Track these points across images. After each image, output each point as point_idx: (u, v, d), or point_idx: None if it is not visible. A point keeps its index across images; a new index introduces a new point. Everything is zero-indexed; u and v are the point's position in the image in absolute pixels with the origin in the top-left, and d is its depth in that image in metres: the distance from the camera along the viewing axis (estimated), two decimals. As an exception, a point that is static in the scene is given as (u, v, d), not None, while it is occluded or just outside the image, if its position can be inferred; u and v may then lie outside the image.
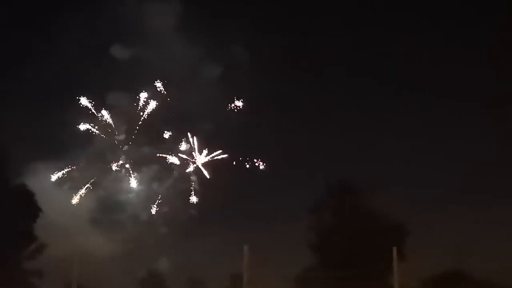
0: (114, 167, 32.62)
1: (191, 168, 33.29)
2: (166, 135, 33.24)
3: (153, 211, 32.33)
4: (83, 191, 31.39)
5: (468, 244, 27.70)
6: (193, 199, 32.69)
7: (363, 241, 27.64)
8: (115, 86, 32.91)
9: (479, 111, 31.72)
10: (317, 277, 27.41)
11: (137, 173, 32.87)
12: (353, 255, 27.13)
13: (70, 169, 31.64)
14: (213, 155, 33.18)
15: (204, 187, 33.21)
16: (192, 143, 33.49)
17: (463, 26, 32.66)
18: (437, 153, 32.19)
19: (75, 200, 31.03)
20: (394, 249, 19.23)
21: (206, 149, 33.43)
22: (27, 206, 28.59)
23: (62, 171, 31.42)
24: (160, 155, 33.11)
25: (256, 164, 33.09)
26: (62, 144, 32.03)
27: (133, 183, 32.52)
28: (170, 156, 33.13)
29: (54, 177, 31.21)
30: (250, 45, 33.34)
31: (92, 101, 32.33)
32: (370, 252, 26.80)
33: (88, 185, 31.56)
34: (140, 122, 33.12)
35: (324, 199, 29.68)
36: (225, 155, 33.16)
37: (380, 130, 32.91)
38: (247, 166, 33.04)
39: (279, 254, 29.15)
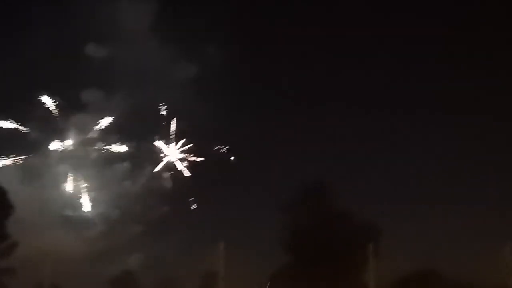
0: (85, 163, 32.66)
1: (163, 165, 33.61)
2: (139, 132, 33.53)
3: (125, 209, 32.52)
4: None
5: (439, 244, 28.76)
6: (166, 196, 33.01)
7: (337, 240, 28.04)
8: (88, 84, 32.85)
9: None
10: (292, 275, 27.78)
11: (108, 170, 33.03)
12: (327, 254, 27.49)
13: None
14: (184, 148, 33.52)
15: (176, 184, 33.62)
16: (165, 141, 33.85)
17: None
18: (411, 154, 32.93)
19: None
20: (370, 246, 19.69)
21: (179, 145, 33.81)
22: (-1, 203, 28.17)
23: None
24: (132, 151, 33.38)
25: (231, 161, 33.54)
26: (31, 138, 31.89)
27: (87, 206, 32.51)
28: (142, 152, 33.44)
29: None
30: (223, 44, 33.68)
31: (62, 99, 32.21)
32: (345, 250, 27.27)
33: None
34: (112, 120, 33.24)
35: (299, 198, 30.02)
36: (196, 149, 33.58)
37: (356, 132, 33.61)
38: (221, 164, 33.56)
39: (254, 253, 29.56)
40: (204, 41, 33.80)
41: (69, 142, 32.65)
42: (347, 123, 33.45)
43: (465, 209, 30.08)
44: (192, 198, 32.86)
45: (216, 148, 33.94)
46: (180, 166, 33.84)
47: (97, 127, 33.10)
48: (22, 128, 31.62)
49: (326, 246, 27.46)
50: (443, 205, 30.85)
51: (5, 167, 30.74)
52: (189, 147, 34.05)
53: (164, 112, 34.11)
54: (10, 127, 31.43)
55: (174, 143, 34.09)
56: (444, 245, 29.04)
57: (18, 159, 31.35)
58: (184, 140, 34.10)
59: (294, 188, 30.13)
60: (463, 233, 29.68)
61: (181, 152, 33.98)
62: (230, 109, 33.28)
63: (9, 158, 31.28)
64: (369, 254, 24.85)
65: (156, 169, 33.72)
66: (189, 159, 33.86)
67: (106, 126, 33.19)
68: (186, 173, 33.68)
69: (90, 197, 32.32)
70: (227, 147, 33.94)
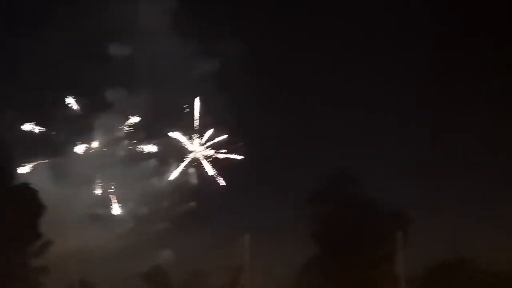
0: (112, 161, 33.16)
1: (188, 162, 33.96)
2: (164, 130, 33.80)
3: (153, 206, 32.98)
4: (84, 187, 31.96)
5: (469, 232, 28.39)
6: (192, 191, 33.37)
7: (365, 229, 27.92)
8: (111, 83, 33.31)
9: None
10: (320, 266, 27.79)
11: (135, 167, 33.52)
12: (355, 243, 27.41)
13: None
14: (209, 143, 33.69)
15: (202, 179, 33.92)
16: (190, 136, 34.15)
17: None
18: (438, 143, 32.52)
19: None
20: (399, 234, 19.49)
21: (203, 141, 34.08)
22: (31, 204, 28.89)
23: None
24: (158, 149, 33.78)
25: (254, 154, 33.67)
26: (61, 141, 32.40)
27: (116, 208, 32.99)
28: (168, 149, 33.79)
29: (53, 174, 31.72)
30: (244, 39, 33.68)
31: (86, 99, 32.70)
32: (373, 239, 27.13)
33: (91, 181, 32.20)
34: (139, 119, 33.66)
35: (325, 188, 29.92)
36: (224, 136, 33.67)
37: (379, 119, 33.44)
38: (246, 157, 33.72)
39: (281, 244, 29.65)
40: (225, 36, 33.90)
41: (95, 142, 33.13)
42: (371, 111, 33.40)
43: (496, 196, 29.80)
44: (219, 190, 33.30)
45: (238, 142, 34.04)
46: (205, 162, 34.07)
47: (123, 126, 33.58)
48: (48, 130, 32.18)
49: (354, 236, 27.38)
50: (473, 192, 30.48)
51: (35, 168, 31.36)
52: (214, 143, 34.22)
53: (187, 108, 34.30)
54: (36, 131, 31.99)
55: (198, 139, 34.32)
56: (474, 232, 28.63)
57: (47, 161, 31.96)
58: (208, 135, 34.29)
59: (320, 178, 30.24)
60: (494, 220, 29.27)
61: (206, 147, 34.18)
62: (251, 102, 33.39)
63: (39, 160, 31.89)
64: (398, 243, 24.71)
65: (182, 166, 34.01)
66: (217, 155, 34.01)
67: (132, 125, 33.66)
68: (210, 170, 33.86)
69: (118, 196, 32.88)
70: (247, 142, 34.00)
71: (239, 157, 33.60)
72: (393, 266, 25.66)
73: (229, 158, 33.72)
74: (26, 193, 29.30)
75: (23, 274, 27.37)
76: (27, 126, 31.69)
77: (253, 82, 32.86)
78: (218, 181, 33.32)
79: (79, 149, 32.40)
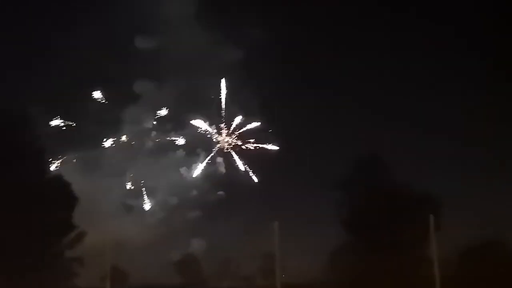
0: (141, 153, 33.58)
1: (216, 151, 34.11)
2: (192, 120, 34.08)
3: (182, 195, 33.32)
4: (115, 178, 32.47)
5: (505, 215, 27.82)
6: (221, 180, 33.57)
7: (397, 213, 27.59)
8: (139, 76, 33.63)
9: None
10: (351, 251, 27.59)
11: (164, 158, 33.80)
12: (387, 228, 27.12)
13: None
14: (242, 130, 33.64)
15: (231, 168, 34.06)
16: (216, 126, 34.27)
17: None
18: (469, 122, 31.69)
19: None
20: (431, 217, 19.17)
21: (231, 131, 34.12)
22: (65, 196, 29.46)
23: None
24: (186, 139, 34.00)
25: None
26: (91, 134, 33.01)
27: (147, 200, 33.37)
28: (196, 140, 34.01)
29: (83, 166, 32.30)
30: (269, 27, 33.49)
31: (114, 93, 33.09)
32: (405, 223, 26.77)
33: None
34: (166, 110, 33.94)
35: (353, 173, 29.68)
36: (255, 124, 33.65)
37: (410, 103, 32.74)
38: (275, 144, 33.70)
39: (311, 232, 29.56)
40: (250, 23, 33.81)
41: (125, 135, 33.58)
42: (403, 95, 32.90)
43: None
44: (247, 179, 33.39)
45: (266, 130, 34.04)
46: (233, 151, 34.20)
47: (151, 117, 33.97)
48: (78, 124, 32.73)
49: (385, 220, 27.07)
50: (507, 174, 29.79)
51: (67, 161, 32.00)
52: (242, 131, 34.28)
53: (214, 98, 34.45)
54: (66, 124, 32.53)
55: (225, 128, 34.47)
56: (509, 214, 27.99)
57: (79, 154, 32.54)
58: (236, 124, 34.37)
59: (350, 163, 30.09)
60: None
61: (233, 137, 34.28)
62: (278, 89, 33.31)
63: (70, 154, 32.50)
64: (431, 226, 24.31)
65: (210, 156, 34.24)
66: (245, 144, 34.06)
67: (160, 116, 34.00)
68: (238, 160, 33.95)
69: (148, 187, 33.31)
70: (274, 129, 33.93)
71: (271, 147, 33.64)
72: (426, 250, 25.31)
73: (257, 147, 33.78)
74: (59, 185, 29.81)
75: (58, 264, 27.98)
76: (56, 121, 32.32)
77: (279, 69, 32.91)
78: (247, 171, 33.52)
79: (109, 142, 32.94)
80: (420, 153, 31.58)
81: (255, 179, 33.58)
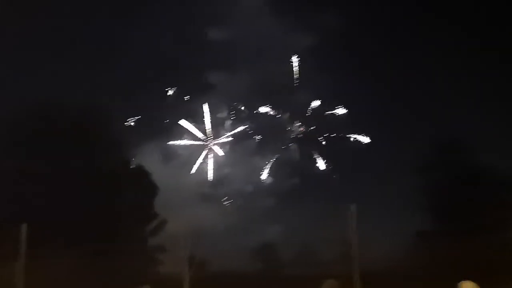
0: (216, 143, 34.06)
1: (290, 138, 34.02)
2: (265, 108, 34.08)
3: (257, 182, 33.50)
4: (196, 166, 33.21)
5: None
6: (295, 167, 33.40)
7: (479, 197, 26.41)
8: (213, 67, 34.06)
9: None
10: (434, 237, 26.67)
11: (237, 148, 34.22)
12: (469, 212, 26.00)
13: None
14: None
15: (305, 155, 33.81)
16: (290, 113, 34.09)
17: None
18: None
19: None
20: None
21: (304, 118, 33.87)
22: (146, 185, 30.50)
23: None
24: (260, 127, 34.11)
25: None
26: (167, 125, 33.84)
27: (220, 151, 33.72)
28: (270, 128, 34.04)
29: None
30: (341, 13, 32.84)
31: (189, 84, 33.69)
32: (488, 207, 25.59)
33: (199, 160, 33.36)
34: (239, 99, 34.25)
35: (432, 157, 28.64)
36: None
37: (490, 83, 30.94)
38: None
39: (390, 217, 28.83)
40: (320, 8, 33.30)
41: (201, 125, 34.21)
42: (481, 76, 31.11)
43: None
44: (320, 165, 33.00)
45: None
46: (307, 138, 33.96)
47: (225, 107, 34.38)
48: (156, 116, 33.66)
49: (469, 204, 25.94)
50: None
51: (146, 151, 33.06)
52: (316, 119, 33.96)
53: (287, 85, 34.28)
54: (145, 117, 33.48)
55: (299, 115, 34.27)
56: None
57: (157, 145, 33.55)
58: (310, 111, 34.08)
59: (429, 146, 29.02)
60: None
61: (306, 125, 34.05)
62: (352, 74, 32.65)
63: (150, 144, 33.50)
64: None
65: (284, 143, 34.19)
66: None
67: (234, 105, 34.32)
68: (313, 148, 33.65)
69: (224, 175, 33.87)
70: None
71: (361, 138, 33.09)
72: (509, 233, 24.09)
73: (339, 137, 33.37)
74: (141, 175, 30.91)
75: (142, 252, 29.02)
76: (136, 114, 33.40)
77: (354, 55, 32.27)
78: (321, 157, 33.19)
79: (185, 132, 33.70)
80: (503, 135, 29.83)
81: (326, 166, 33.10)
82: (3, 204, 24.80)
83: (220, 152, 33.87)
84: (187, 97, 33.71)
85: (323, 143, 33.43)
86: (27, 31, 29.81)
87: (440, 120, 31.22)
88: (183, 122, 33.53)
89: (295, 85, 34.09)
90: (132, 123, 32.69)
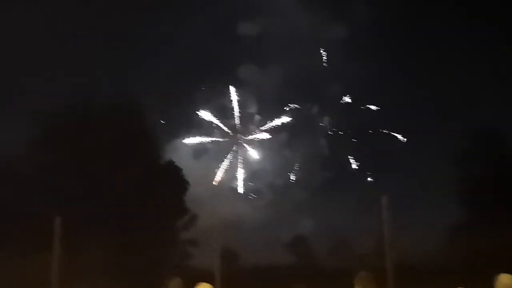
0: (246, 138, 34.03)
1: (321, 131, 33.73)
2: (295, 103, 33.88)
3: (289, 177, 33.29)
4: (225, 163, 33.22)
5: None
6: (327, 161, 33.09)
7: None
8: (244, 62, 33.95)
9: None
10: (472, 229, 26.05)
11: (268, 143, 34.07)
12: (505, 204, 25.26)
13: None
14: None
15: (335, 147, 33.50)
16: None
17: None
18: None
19: (218, 175, 32.85)
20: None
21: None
22: (177, 180, 30.67)
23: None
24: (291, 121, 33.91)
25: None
26: (198, 120, 33.92)
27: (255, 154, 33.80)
28: (300, 120, 33.84)
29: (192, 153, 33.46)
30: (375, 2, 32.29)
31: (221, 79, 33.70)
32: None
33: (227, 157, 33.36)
34: (270, 94, 34.07)
35: (469, 148, 27.94)
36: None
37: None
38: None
39: (426, 210, 28.24)
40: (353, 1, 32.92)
41: (231, 120, 34.20)
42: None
43: None
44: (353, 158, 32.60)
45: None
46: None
47: (256, 101, 34.30)
48: (186, 111, 33.80)
49: (505, 195, 25.18)
50: None
51: (177, 147, 33.23)
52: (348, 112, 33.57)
53: (318, 79, 33.99)
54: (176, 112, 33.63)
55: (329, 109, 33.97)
56: None
57: (188, 140, 33.66)
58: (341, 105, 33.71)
59: (465, 137, 28.36)
60: None
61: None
62: (385, 67, 32.06)
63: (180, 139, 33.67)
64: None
65: (316, 136, 33.96)
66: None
67: (265, 100, 34.22)
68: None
69: (255, 169, 33.80)
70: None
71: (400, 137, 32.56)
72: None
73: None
74: (172, 171, 31.10)
75: (174, 245, 29.24)
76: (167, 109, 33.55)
77: (387, 48, 31.68)
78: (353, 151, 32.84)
79: (215, 126, 33.77)
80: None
81: (358, 160, 32.72)
82: (38, 198, 25.37)
83: (254, 153, 33.89)
84: (217, 92, 33.79)
85: (355, 137, 33.10)
86: (65, 29, 30.41)
87: (476, 110, 30.39)
88: (213, 117, 33.62)
89: (326, 78, 33.82)
90: (163, 120, 32.88)
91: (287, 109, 33.86)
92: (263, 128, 33.81)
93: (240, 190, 32.98)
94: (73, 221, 16.76)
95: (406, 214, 25.81)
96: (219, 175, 32.71)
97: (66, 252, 16.77)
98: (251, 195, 33.10)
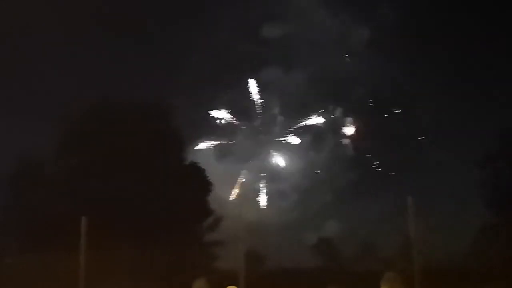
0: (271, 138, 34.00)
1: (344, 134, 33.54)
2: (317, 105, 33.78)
3: (313, 178, 33.25)
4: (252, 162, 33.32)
5: None
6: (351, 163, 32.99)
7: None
8: (267, 63, 33.94)
9: None
10: (500, 233, 25.57)
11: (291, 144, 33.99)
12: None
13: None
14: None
15: (359, 150, 33.26)
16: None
17: None
18: None
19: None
20: None
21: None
22: (201, 182, 30.83)
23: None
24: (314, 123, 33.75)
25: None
26: (221, 122, 34.12)
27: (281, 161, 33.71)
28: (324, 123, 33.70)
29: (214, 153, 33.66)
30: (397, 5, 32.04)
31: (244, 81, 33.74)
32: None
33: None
34: (292, 96, 34.01)
35: (495, 148, 27.45)
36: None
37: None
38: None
39: (452, 212, 27.79)
40: (378, 2, 32.69)
41: (255, 121, 34.27)
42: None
43: None
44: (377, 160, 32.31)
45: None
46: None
47: (279, 103, 34.30)
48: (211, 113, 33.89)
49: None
50: None
51: (201, 149, 33.45)
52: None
53: (342, 81, 33.83)
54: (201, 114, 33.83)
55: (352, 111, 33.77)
56: None
57: (214, 142, 33.81)
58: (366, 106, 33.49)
59: (491, 137, 27.89)
60: None
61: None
62: (409, 68, 31.78)
63: (206, 141, 33.84)
64: None
65: (340, 138, 33.77)
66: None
67: (288, 102, 34.17)
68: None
69: (279, 171, 33.80)
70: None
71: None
72: None
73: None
74: (196, 172, 31.28)
75: (199, 246, 29.37)
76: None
77: (408, 50, 31.37)
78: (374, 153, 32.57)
79: (241, 127, 33.89)
80: None
81: (383, 160, 32.39)
82: (65, 198, 25.80)
83: (280, 161, 33.89)
84: (241, 94, 33.88)
85: (379, 138, 32.81)
86: (94, 31, 30.90)
87: (503, 110, 29.91)
88: (236, 119, 33.74)
89: (350, 80, 33.62)
90: (188, 121, 33.10)
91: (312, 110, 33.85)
92: (290, 129, 33.93)
93: (264, 192, 33.14)
94: (99, 222, 17.02)
95: (434, 216, 25.51)
96: (235, 190, 32.99)
97: (92, 252, 17.03)
98: (277, 196, 33.19)
